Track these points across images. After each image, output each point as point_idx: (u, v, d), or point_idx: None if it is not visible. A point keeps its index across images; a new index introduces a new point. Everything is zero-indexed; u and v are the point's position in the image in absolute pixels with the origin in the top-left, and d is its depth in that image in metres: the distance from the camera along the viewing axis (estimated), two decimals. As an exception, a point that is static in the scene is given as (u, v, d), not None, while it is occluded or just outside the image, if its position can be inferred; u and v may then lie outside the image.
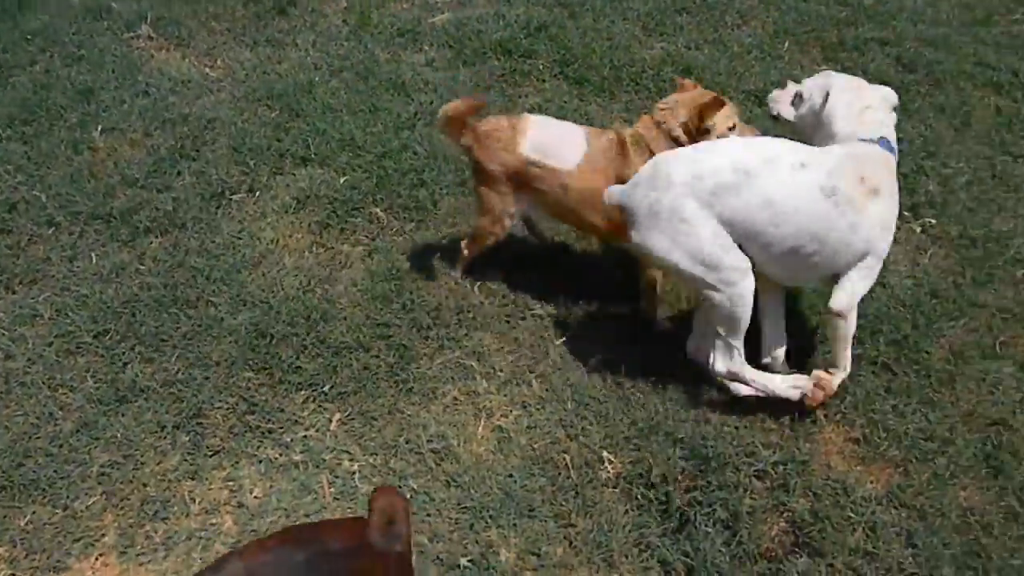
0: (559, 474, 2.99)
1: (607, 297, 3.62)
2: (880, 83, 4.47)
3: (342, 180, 4.23)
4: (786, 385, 3.09)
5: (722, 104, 3.31)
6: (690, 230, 2.85)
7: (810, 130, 3.29)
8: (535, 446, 3.08)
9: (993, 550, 2.76)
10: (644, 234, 2.93)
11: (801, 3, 5.83)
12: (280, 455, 3.03)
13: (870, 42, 5.41)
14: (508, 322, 3.57)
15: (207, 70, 5.19)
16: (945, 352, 3.41)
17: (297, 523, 2.76)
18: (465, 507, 2.88)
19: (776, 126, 3.48)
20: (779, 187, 2.84)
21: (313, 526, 2.32)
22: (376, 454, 3.05)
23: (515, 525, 2.83)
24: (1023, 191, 4.27)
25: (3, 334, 3.45)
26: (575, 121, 4.55)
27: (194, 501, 2.88)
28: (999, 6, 5.97)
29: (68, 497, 2.88)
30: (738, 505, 2.85)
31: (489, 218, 3.49)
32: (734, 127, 3.35)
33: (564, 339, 3.48)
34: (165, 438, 3.07)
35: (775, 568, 2.73)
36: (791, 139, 3.09)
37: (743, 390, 3.14)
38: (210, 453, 3.04)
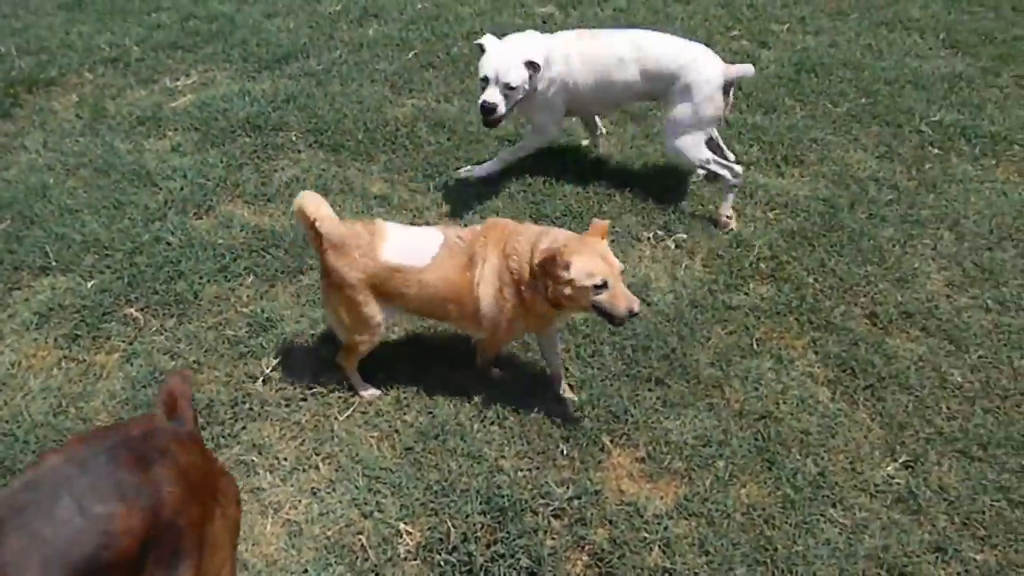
0: (356, 558, 2.87)
1: (386, 365, 3.56)
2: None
3: (89, 285, 3.93)
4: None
5: (561, 261, 2.92)
6: None
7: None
8: (328, 533, 2.95)
9: (778, 541, 2.91)
10: None
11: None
12: None
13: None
14: (287, 406, 3.42)
15: (-77, 186, 4.70)
16: (710, 356, 3.61)
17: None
18: (260, 615, 2.70)
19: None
20: None
21: (118, 423, 2.60)
22: None
23: (315, 623, 2.68)
24: (758, 196, 4.63)
25: None
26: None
27: None
28: (719, 25, 6.52)
29: None
30: (540, 549, 2.85)
31: (359, 329, 3.24)
32: (603, 285, 2.91)
33: (348, 414, 3.37)
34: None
35: (584, 605, 2.74)
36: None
37: None
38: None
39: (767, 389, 3.48)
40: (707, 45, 4.39)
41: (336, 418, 3.36)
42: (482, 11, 6.76)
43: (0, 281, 3.98)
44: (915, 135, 5.23)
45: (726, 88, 4.21)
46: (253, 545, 2.90)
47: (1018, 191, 4.75)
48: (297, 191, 4.46)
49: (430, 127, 5.11)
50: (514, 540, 2.87)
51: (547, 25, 6.36)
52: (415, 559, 2.87)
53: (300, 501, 3.05)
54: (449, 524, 2.93)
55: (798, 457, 3.20)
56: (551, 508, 3.00)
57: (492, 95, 4.16)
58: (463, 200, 4.52)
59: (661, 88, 4.29)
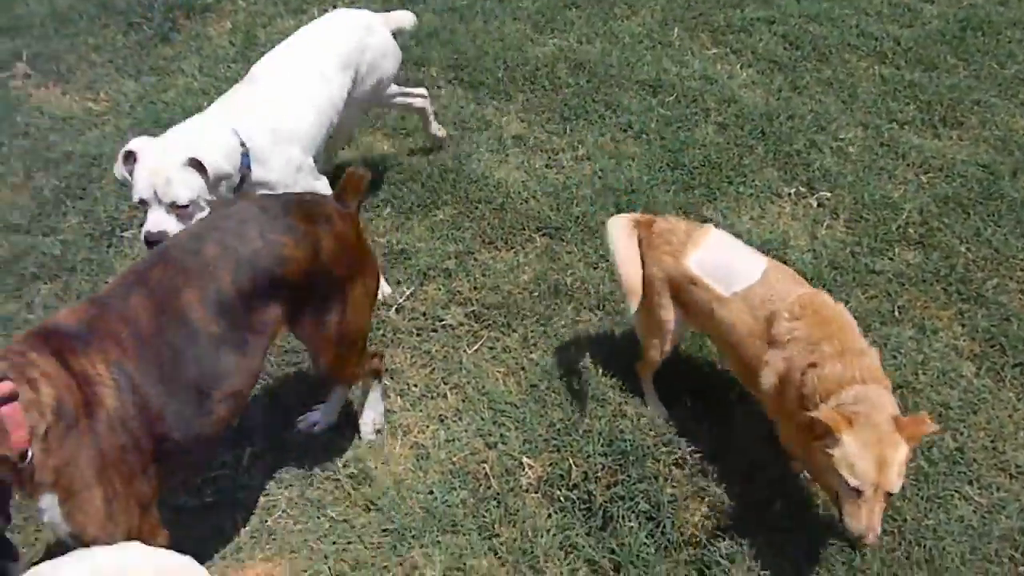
0: (480, 485, 2.95)
1: (516, 303, 3.60)
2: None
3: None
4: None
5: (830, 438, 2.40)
6: None
7: None
8: (454, 459, 3.04)
9: (907, 512, 2.84)
10: None
11: (687, -11, 5.91)
12: (191, 499, 2.93)
13: (756, 22, 5.51)
14: (419, 335, 3.52)
15: (90, 104, 5.00)
16: (848, 322, 3.48)
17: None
18: (386, 530, 2.83)
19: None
20: None
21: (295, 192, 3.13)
22: (292, 485, 2.97)
23: (438, 542, 2.79)
24: (911, 157, 4.40)
25: None
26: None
27: (102, 557, 2.77)
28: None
29: None
30: (660, 495, 2.86)
31: (650, 330, 3.04)
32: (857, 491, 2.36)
33: (476, 348, 3.45)
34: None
35: (700, 554, 2.74)
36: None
37: None
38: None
39: (907, 359, 3.35)
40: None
41: (465, 351, 3.44)
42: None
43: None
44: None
45: None
46: (383, 464, 3.03)
47: None
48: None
49: (570, 68, 5.06)
50: (634, 483, 2.89)
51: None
52: (536, 492, 2.93)
53: (428, 427, 3.16)
54: (571, 462, 2.97)
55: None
56: (673, 457, 3.00)
57: (158, 222, 2.88)
58: (599, 144, 4.48)
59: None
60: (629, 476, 2.92)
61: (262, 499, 2.93)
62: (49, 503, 2.06)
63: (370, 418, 3.10)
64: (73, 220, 4.10)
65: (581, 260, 3.81)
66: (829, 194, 4.15)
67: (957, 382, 3.27)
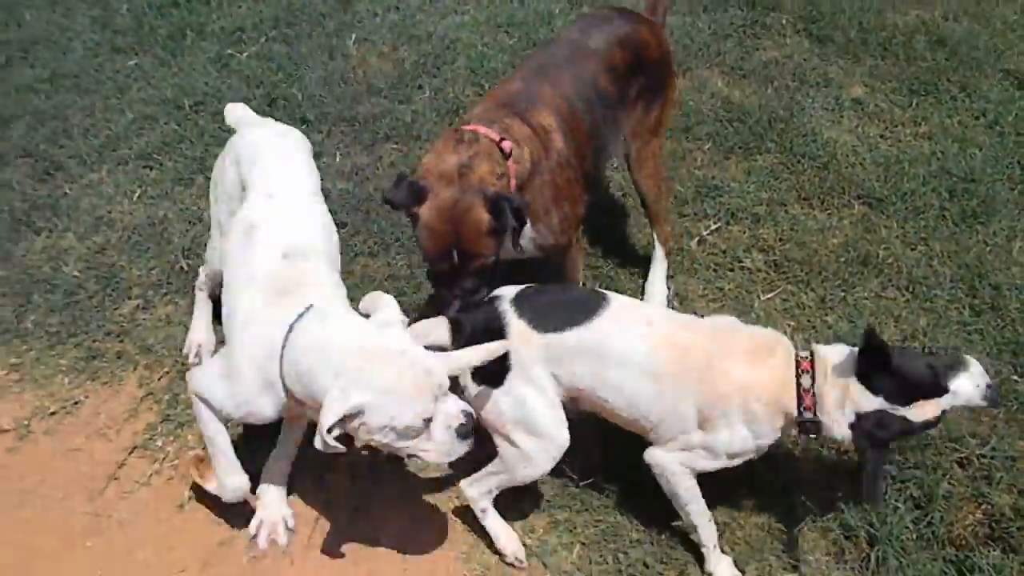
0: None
1: (820, 263, 3.55)
2: None
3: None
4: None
5: None
6: None
7: None
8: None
9: None
10: None
11: (1085, -20, 5.29)
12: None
13: None
14: (715, 271, 3.58)
15: (456, -9, 5.40)
16: None
17: None
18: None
19: None
20: None
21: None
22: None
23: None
24: None
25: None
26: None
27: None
28: None
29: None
30: (934, 487, 2.77)
31: None
32: None
33: (770, 296, 3.46)
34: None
35: (964, 556, 2.64)
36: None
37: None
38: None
39: None
40: None
41: (758, 296, 3.47)
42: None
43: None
44: None
45: None
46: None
47: None
48: (774, 73, 4.51)
49: (929, 42, 4.75)
50: (909, 468, 2.82)
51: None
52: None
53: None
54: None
55: None
56: (958, 455, 2.87)
57: None
58: (944, 125, 4.22)
59: None
60: (905, 459, 2.85)
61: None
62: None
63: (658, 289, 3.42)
64: (426, 94, 4.52)
65: (899, 237, 3.66)
66: None
67: None
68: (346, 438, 2.27)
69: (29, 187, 4.11)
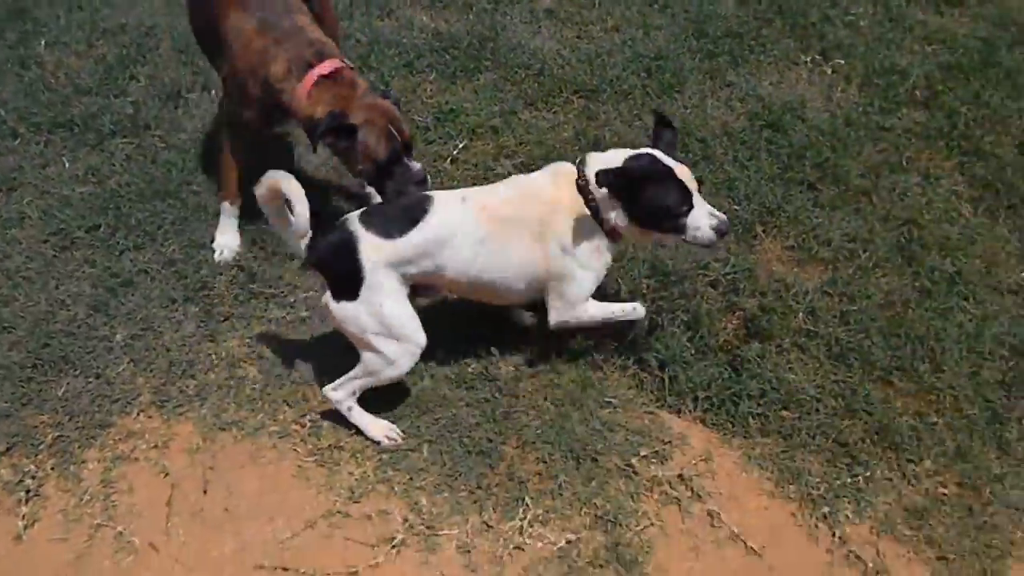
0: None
1: (560, 155, 3.95)
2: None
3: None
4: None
5: None
6: None
7: None
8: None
9: (912, 320, 3.27)
10: None
11: None
12: (287, 314, 3.33)
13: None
14: (474, 184, 3.88)
15: (136, -20, 5.20)
16: (861, 168, 3.88)
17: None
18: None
19: None
20: None
21: None
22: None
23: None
24: (916, 31, 4.73)
25: (-6, 239, 3.60)
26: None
27: (217, 357, 3.17)
28: None
29: (98, 367, 3.13)
30: (698, 308, 3.28)
31: None
32: None
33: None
34: (177, 310, 3.33)
35: (733, 355, 3.18)
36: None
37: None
38: (222, 319, 3.31)
39: (913, 200, 3.75)
40: None
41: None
42: None
43: (216, 63, 4.49)
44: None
45: None
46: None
47: None
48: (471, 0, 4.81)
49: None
50: (676, 299, 3.31)
51: None
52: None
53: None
54: (619, 282, 3.38)
55: (937, 257, 3.50)
56: (708, 279, 3.41)
57: None
58: (627, 17, 4.77)
59: None
60: (671, 293, 3.33)
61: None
62: None
63: None
64: (141, 83, 4.37)
65: (617, 118, 4.16)
66: (843, 61, 4.49)
67: (956, 219, 3.69)
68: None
69: None
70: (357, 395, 2.92)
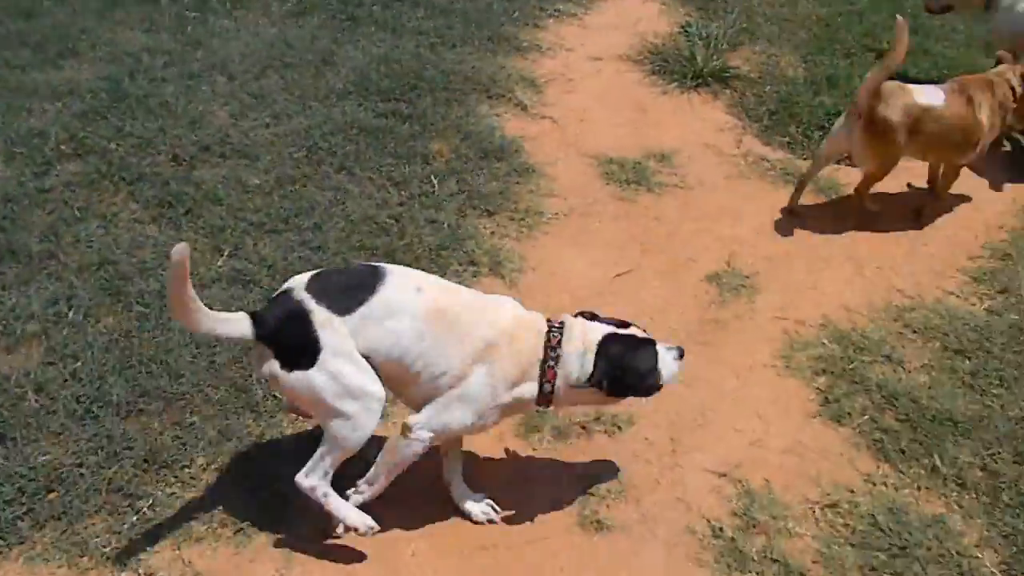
0: None
1: None
2: None
3: None
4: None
5: None
6: None
7: None
8: None
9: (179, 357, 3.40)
10: None
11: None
12: None
13: None
14: None
15: None
16: (39, 236, 3.84)
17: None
18: None
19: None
20: None
21: None
22: None
23: None
24: (42, 90, 4.80)
25: None
26: None
27: None
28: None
29: None
30: None
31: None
32: None
33: None
34: None
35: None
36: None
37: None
38: None
39: (100, 243, 3.86)
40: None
41: None
42: None
43: None
44: (173, 5, 5.82)
45: None
46: None
47: (267, 30, 5.67)
48: None
49: None
50: None
51: None
52: None
53: None
54: None
55: (140, 281, 3.68)
56: None
57: None
58: None
59: None
60: None
61: None
62: None
63: None
64: None
65: None
66: None
67: (146, 242, 3.92)
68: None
69: None
70: (330, 476, 2.70)
